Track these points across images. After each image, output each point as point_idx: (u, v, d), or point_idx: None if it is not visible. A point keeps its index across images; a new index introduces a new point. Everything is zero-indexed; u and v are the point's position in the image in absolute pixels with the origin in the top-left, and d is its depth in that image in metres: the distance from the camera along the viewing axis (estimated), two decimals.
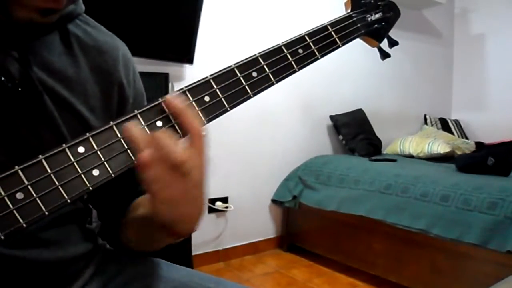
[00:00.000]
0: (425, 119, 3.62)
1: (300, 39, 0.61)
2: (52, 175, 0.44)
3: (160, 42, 2.06)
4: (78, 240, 0.62)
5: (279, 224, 2.77)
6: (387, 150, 3.12)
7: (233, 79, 0.54)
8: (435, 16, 3.68)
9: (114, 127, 0.47)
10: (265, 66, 0.57)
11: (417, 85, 3.60)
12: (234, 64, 0.55)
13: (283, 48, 0.59)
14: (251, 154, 2.61)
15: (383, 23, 0.72)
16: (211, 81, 0.53)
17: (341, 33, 0.66)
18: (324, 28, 0.64)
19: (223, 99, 0.53)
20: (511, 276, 0.89)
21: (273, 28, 2.58)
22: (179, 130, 0.50)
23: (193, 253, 2.17)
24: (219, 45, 2.40)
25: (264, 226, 2.72)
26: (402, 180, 2.09)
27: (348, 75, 3.06)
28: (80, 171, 0.45)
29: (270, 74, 0.57)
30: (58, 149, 0.45)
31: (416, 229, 1.90)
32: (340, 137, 2.92)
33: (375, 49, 0.77)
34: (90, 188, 0.45)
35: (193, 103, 0.52)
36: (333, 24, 0.65)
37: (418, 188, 1.99)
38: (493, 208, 1.70)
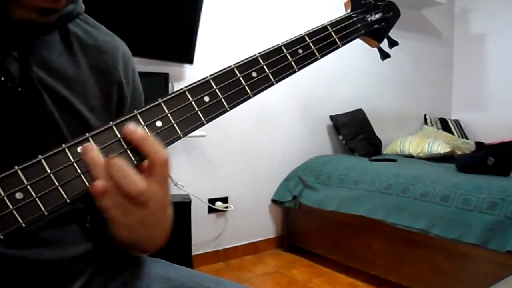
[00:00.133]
0: (425, 119, 3.62)
1: (300, 39, 0.61)
2: (51, 175, 0.44)
3: (160, 42, 2.06)
4: (78, 240, 0.62)
5: (279, 224, 2.77)
6: (387, 150, 3.12)
7: (232, 79, 0.54)
8: (435, 16, 3.68)
9: (114, 127, 0.47)
10: (264, 66, 0.57)
11: (417, 85, 3.60)
12: (234, 64, 0.55)
13: (283, 48, 0.59)
14: (251, 154, 2.61)
15: (383, 23, 0.72)
16: (211, 81, 0.53)
17: (341, 33, 0.65)
18: (324, 28, 0.64)
19: (222, 99, 0.53)
20: (511, 276, 0.89)
21: (273, 28, 2.58)
22: (178, 130, 0.50)
23: (193, 253, 2.17)
24: (219, 45, 2.40)
25: (264, 226, 2.72)
26: (402, 180, 2.09)
27: (348, 75, 3.06)
28: (79, 171, 0.45)
29: (270, 74, 0.57)
30: (58, 149, 0.45)
31: (416, 229, 1.90)
32: (340, 137, 2.92)
33: (375, 49, 0.77)
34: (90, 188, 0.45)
35: (193, 103, 0.52)
36: (333, 24, 0.65)
37: (418, 188, 1.99)
38: (493, 208, 1.70)
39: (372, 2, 0.71)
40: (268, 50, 0.58)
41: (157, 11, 1.98)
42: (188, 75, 2.29)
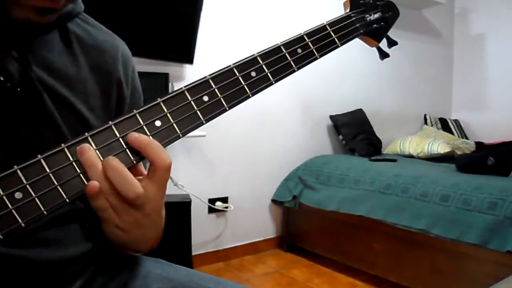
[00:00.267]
0: (425, 119, 3.62)
1: (299, 39, 0.61)
2: (51, 174, 0.44)
3: (160, 42, 2.07)
4: (78, 239, 0.61)
5: (279, 224, 2.77)
6: (387, 150, 3.12)
7: (232, 79, 0.54)
8: (435, 16, 3.68)
9: (113, 126, 0.47)
10: (264, 66, 0.57)
11: (417, 85, 3.60)
12: (233, 64, 0.55)
13: (282, 48, 0.59)
14: (251, 154, 2.61)
15: (382, 23, 0.72)
16: (210, 80, 0.53)
17: (340, 33, 0.66)
18: (323, 28, 0.64)
19: (222, 98, 0.53)
20: (511, 276, 0.89)
21: (273, 28, 2.58)
22: (177, 130, 0.50)
23: (193, 253, 2.17)
24: (219, 45, 2.40)
25: (264, 226, 2.72)
26: (402, 180, 2.09)
27: (348, 75, 3.06)
28: (79, 171, 0.45)
29: (269, 74, 0.57)
30: (57, 149, 0.45)
31: (416, 229, 1.90)
32: (340, 137, 2.92)
33: (375, 49, 0.77)
34: None
35: (192, 102, 0.52)
36: (332, 24, 0.65)
37: (418, 188, 1.99)
38: (493, 208, 1.70)
39: (371, 1, 0.71)
40: (267, 50, 0.58)
41: (157, 11, 1.98)
42: (188, 75, 2.29)
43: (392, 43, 0.76)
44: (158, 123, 0.49)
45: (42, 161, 0.44)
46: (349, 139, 2.86)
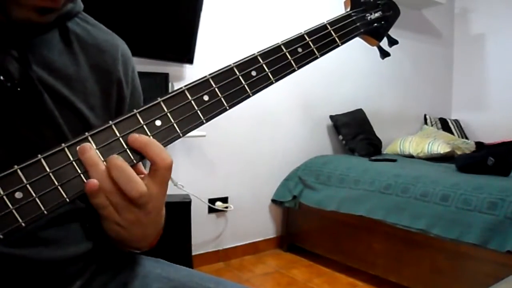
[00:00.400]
0: (425, 119, 3.62)
1: (299, 38, 0.61)
2: (51, 174, 0.44)
3: (160, 42, 2.06)
4: (78, 239, 0.61)
5: (279, 224, 2.77)
6: (387, 150, 3.12)
7: (232, 78, 0.54)
8: (435, 16, 3.68)
9: (113, 126, 0.47)
10: (264, 65, 0.57)
11: (417, 85, 3.60)
12: (233, 63, 0.55)
13: (282, 47, 0.59)
14: (251, 154, 2.61)
15: (382, 22, 0.72)
16: (210, 80, 0.53)
17: (341, 32, 0.65)
18: (323, 27, 0.64)
19: (222, 98, 0.53)
20: (511, 276, 0.89)
21: (273, 28, 2.58)
22: (178, 130, 0.50)
23: (193, 253, 2.17)
24: (219, 45, 2.40)
25: (264, 226, 2.72)
26: (402, 180, 2.09)
27: (348, 75, 3.06)
28: (79, 171, 0.45)
29: (269, 73, 0.57)
30: (57, 149, 0.45)
31: (416, 229, 1.90)
32: (340, 137, 2.92)
33: (375, 48, 0.77)
34: None
35: (192, 102, 0.52)
36: (333, 23, 0.65)
37: (418, 188, 1.99)
38: (493, 208, 1.70)
39: (372, 0, 0.71)
40: (268, 49, 0.58)
41: (157, 11, 1.98)
42: (188, 75, 2.29)
43: (393, 42, 0.76)
44: (158, 122, 0.49)
45: (43, 160, 0.43)
46: (349, 139, 2.86)
